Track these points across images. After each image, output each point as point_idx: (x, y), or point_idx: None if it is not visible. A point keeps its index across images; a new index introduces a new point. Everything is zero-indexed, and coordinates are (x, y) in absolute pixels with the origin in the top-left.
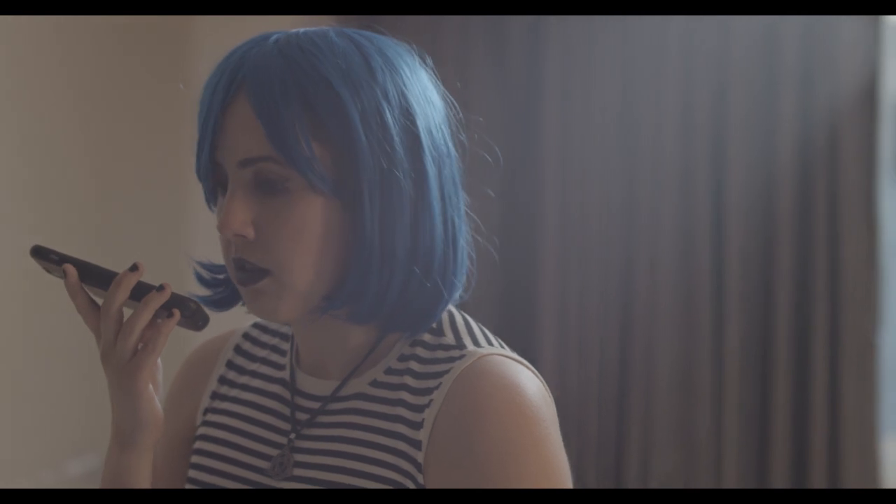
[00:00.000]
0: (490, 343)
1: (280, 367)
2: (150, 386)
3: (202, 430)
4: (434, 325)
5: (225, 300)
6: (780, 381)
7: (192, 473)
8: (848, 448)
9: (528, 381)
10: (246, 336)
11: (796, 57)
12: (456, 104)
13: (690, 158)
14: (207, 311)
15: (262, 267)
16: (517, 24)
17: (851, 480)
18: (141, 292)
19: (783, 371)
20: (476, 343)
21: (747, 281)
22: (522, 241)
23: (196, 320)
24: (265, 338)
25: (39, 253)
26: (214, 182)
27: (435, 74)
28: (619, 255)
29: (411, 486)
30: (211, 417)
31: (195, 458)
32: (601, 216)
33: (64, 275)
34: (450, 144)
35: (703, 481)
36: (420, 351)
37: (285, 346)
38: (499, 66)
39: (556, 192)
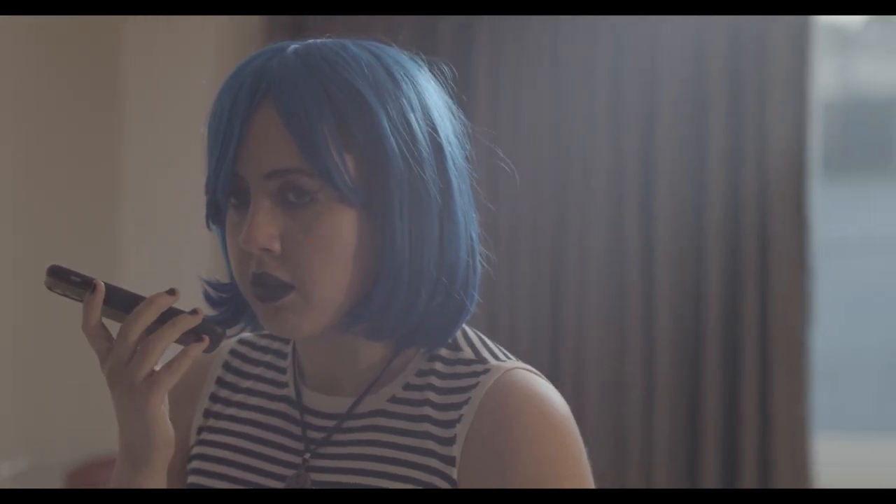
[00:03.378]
0: (508, 357)
1: (281, 384)
2: (162, 405)
3: (199, 450)
4: (449, 340)
5: (229, 319)
6: (710, 379)
7: None
8: (778, 447)
9: (555, 395)
10: (234, 353)
11: (725, 56)
12: (463, 116)
13: (620, 157)
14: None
15: (287, 282)
16: (446, 25)
17: (782, 480)
18: (165, 315)
19: (713, 370)
20: (496, 357)
21: (677, 280)
22: None
23: (215, 345)
24: (256, 354)
25: (58, 273)
26: (229, 195)
27: (443, 86)
28: (549, 255)
29: None
30: (208, 437)
31: (193, 478)
32: (531, 216)
33: (93, 290)
34: (464, 156)
35: (634, 481)
36: (439, 366)
37: (282, 363)
38: (427, 67)
39: (485, 194)
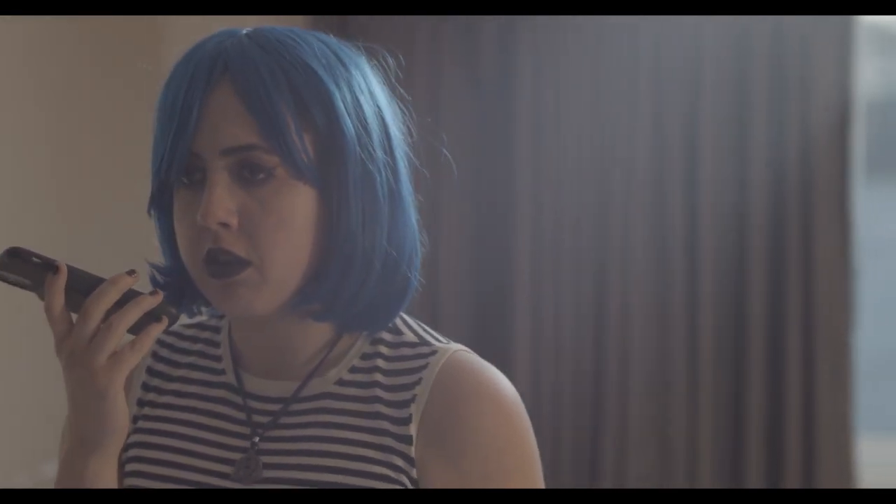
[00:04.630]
0: (446, 339)
1: (217, 371)
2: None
3: (137, 438)
4: (391, 323)
5: (172, 303)
6: (754, 380)
7: (133, 481)
8: (823, 447)
9: (501, 375)
10: (161, 343)
11: (769, 58)
12: (402, 105)
13: (663, 160)
14: None
15: (243, 258)
16: (488, 26)
17: (826, 480)
18: (125, 297)
19: (757, 371)
20: (437, 340)
21: (721, 281)
22: (496, 244)
23: (171, 325)
24: (185, 344)
25: (18, 254)
26: (183, 175)
27: (384, 74)
28: (594, 256)
29: (405, 479)
30: (144, 425)
31: (133, 466)
32: (575, 217)
33: (55, 271)
34: (404, 141)
35: (678, 481)
36: (383, 349)
37: (215, 350)
38: (471, 68)
39: (529, 195)
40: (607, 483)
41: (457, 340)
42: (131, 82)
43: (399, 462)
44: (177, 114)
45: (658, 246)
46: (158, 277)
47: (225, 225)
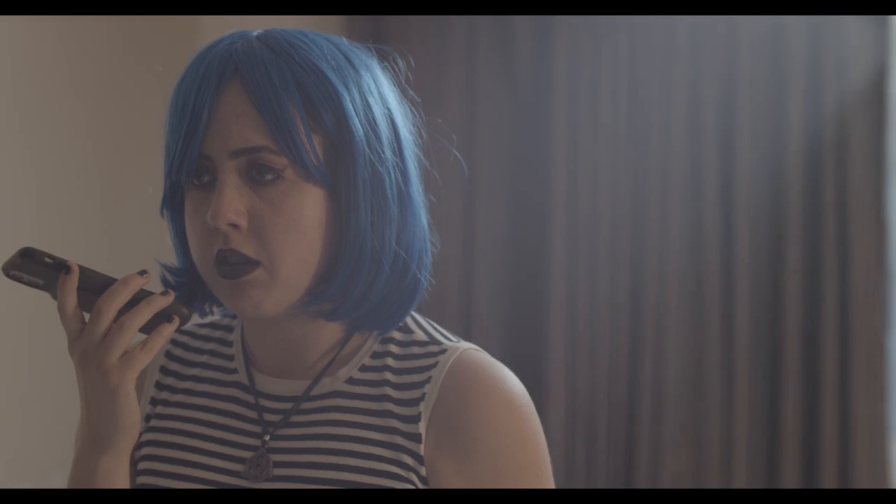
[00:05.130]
0: (457, 338)
1: (229, 370)
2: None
3: (150, 436)
4: (401, 322)
5: (184, 302)
6: (789, 380)
7: (146, 479)
8: (858, 448)
9: (510, 373)
10: (174, 343)
11: (804, 56)
12: (413, 107)
13: (699, 159)
14: None
15: (253, 258)
16: (524, 25)
17: (862, 480)
18: (137, 297)
19: (793, 371)
20: (447, 338)
21: (756, 281)
22: (531, 241)
23: (183, 325)
24: (197, 343)
25: (31, 255)
26: (194, 176)
27: (394, 77)
28: (629, 256)
29: (414, 478)
30: (158, 423)
31: (146, 464)
32: (610, 217)
33: (67, 271)
34: (414, 142)
35: (714, 481)
36: (393, 348)
37: (227, 350)
38: (506, 67)
39: (564, 192)
40: (641, 483)
41: (492, 340)
42: (166, 83)
43: (408, 460)
44: (187, 116)
45: (693, 246)
46: (169, 277)
47: (234, 226)
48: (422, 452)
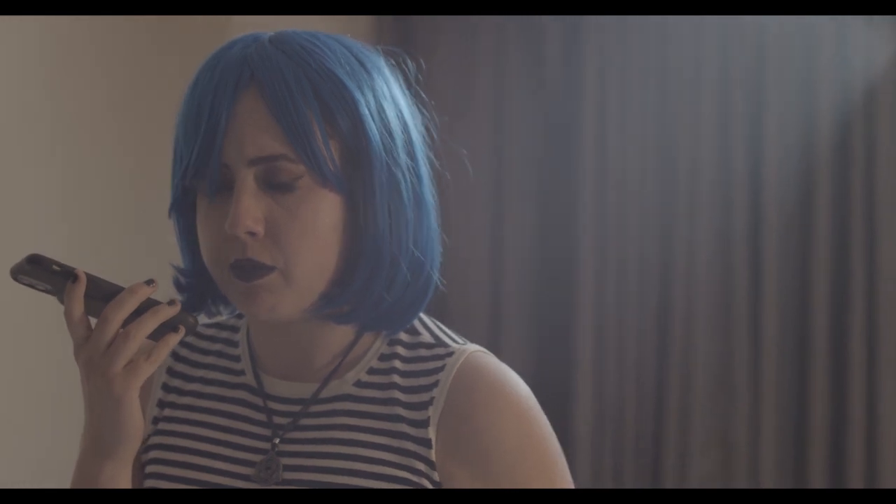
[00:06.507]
0: (463, 340)
1: (236, 372)
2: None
3: (158, 440)
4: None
5: (194, 304)
6: (817, 381)
7: (153, 482)
8: (885, 448)
9: (516, 376)
10: (181, 343)
11: (830, 55)
12: (423, 107)
13: (727, 161)
14: None
15: (269, 265)
16: (554, 26)
17: (889, 480)
18: (143, 306)
19: (820, 371)
20: (454, 340)
21: (784, 282)
22: (560, 242)
23: (189, 334)
24: (203, 344)
25: (39, 262)
26: (217, 183)
27: (403, 78)
28: (657, 256)
29: (427, 483)
30: (165, 426)
31: (153, 467)
32: (638, 217)
33: (74, 279)
34: (424, 144)
35: (741, 482)
36: (400, 350)
37: (233, 351)
38: (535, 67)
39: (593, 195)
40: (669, 483)
41: (520, 344)
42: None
43: (420, 466)
44: (203, 122)
45: (721, 248)
46: (182, 280)
47: (252, 234)
48: (433, 458)
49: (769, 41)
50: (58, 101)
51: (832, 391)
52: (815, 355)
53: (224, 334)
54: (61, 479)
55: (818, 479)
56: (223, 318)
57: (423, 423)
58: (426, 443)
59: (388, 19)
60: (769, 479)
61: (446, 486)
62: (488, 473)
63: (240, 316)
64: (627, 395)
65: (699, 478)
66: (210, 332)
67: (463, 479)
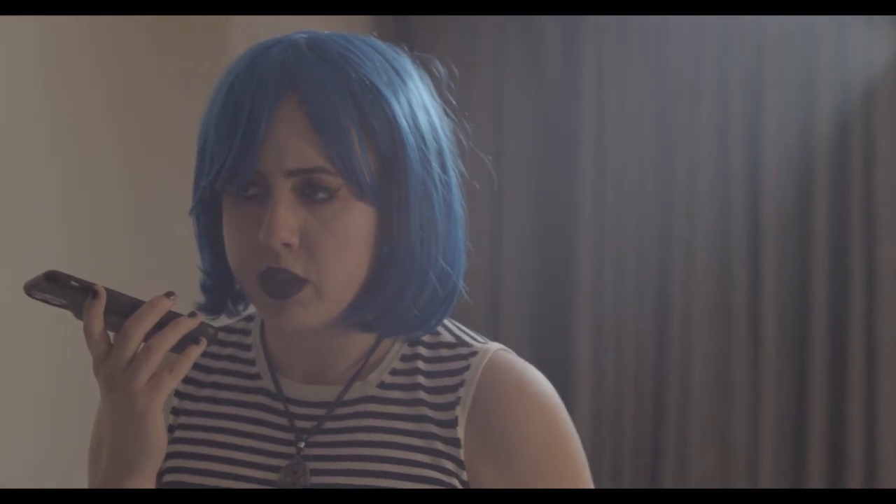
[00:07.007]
0: (483, 338)
1: (252, 376)
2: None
3: (175, 448)
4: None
5: (215, 307)
6: (816, 380)
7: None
8: (884, 448)
9: (541, 375)
10: None
11: (829, 55)
12: (451, 112)
13: (726, 161)
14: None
15: (302, 276)
16: (552, 26)
17: (888, 480)
18: (164, 319)
19: (819, 371)
20: (475, 339)
21: (783, 281)
22: (558, 241)
23: (210, 345)
24: (213, 348)
25: (56, 279)
26: (243, 191)
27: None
28: (655, 256)
29: (456, 483)
30: (183, 434)
31: (173, 476)
32: (637, 217)
33: (94, 295)
34: (453, 152)
35: (740, 481)
36: (422, 350)
37: (246, 354)
38: (534, 67)
39: (591, 194)
40: (668, 483)
41: (518, 342)
42: (193, 80)
43: (449, 465)
44: (241, 128)
45: (720, 247)
46: (208, 282)
47: (286, 245)
48: (462, 457)
49: (768, 41)
50: (58, 100)
51: (831, 391)
52: (813, 356)
53: (233, 338)
54: (61, 479)
55: (817, 480)
56: (230, 320)
57: (451, 424)
58: (455, 442)
59: (387, 19)
60: (768, 480)
61: (473, 484)
62: (515, 471)
63: (248, 318)
64: (626, 395)
65: (697, 478)
66: (220, 335)
67: (489, 477)
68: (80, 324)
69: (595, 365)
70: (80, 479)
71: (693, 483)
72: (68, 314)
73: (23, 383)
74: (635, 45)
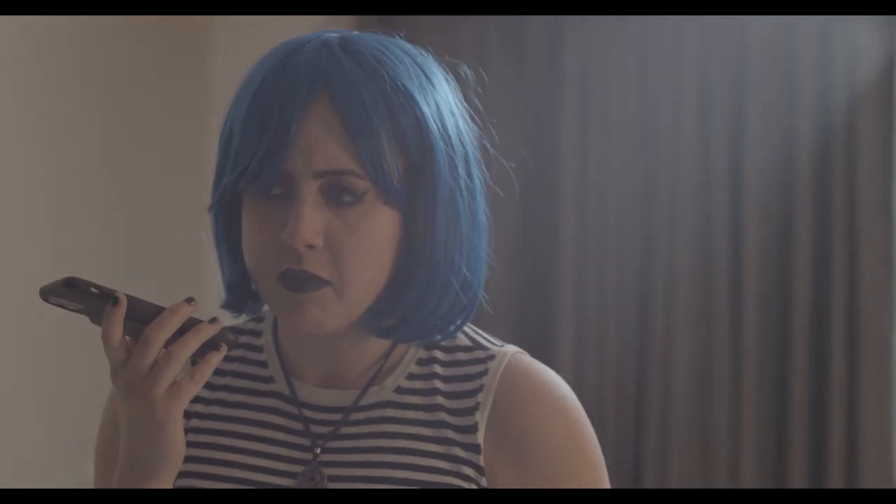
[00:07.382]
0: (500, 342)
1: (265, 379)
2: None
3: (189, 452)
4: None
5: (236, 305)
6: (797, 380)
7: None
8: (865, 448)
9: (559, 377)
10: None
11: (813, 57)
12: (472, 113)
13: (708, 159)
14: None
15: (324, 278)
16: (535, 26)
17: (868, 481)
18: (184, 325)
19: (800, 370)
20: (491, 342)
21: (765, 280)
22: (540, 240)
23: (230, 351)
24: None
25: (76, 285)
26: (269, 191)
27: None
28: (637, 257)
29: (475, 489)
30: (196, 438)
31: (187, 481)
32: (619, 218)
33: (114, 302)
34: (477, 157)
35: (721, 481)
36: (438, 354)
37: (257, 356)
38: (517, 67)
39: (574, 193)
40: (649, 483)
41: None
42: (177, 84)
43: (469, 472)
44: (271, 128)
45: (702, 247)
46: (233, 280)
47: (310, 246)
48: (482, 463)
49: (751, 42)
50: (39, 101)
51: (812, 392)
52: (795, 356)
53: (244, 339)
54: (61, 479)
55: (798, 480)
56: (239, 322)
57: (471, 429)
58: (475, 448)
59: (371, 19)
60: (749, 479)
61: (490, 486)
62: (532, 474)
63: (258, 319)
64: (607, 396)
65: (679, 478)
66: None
67: (507, 479)
68: (80, 323)
69: (576, 364)
70: (63, 480)
71: (674, 483)
72: (44, 314)
73: (22, 383)
74: (617, 46)
